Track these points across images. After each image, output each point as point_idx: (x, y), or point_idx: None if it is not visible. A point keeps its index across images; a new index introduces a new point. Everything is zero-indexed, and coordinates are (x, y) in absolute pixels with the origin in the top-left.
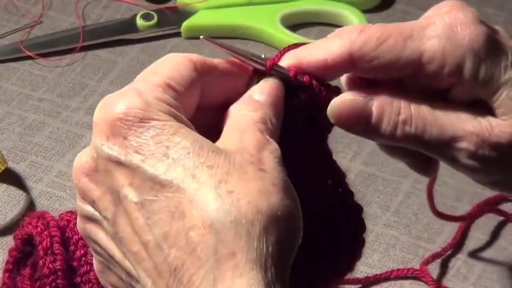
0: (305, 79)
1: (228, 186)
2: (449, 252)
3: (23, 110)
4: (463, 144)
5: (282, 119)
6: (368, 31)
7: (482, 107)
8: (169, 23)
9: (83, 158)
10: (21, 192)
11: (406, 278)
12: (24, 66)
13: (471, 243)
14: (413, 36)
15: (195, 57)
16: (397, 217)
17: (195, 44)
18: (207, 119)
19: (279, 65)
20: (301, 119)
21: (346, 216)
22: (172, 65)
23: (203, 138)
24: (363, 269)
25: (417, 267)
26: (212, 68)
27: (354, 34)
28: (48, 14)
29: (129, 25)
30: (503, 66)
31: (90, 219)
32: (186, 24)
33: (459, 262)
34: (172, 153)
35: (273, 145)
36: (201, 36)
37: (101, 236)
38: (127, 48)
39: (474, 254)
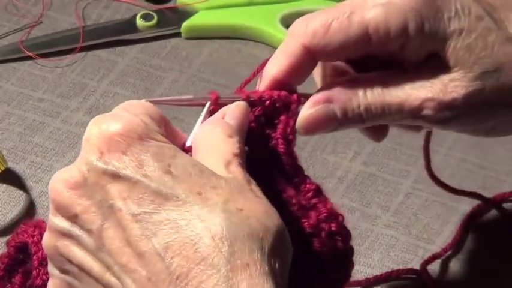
0: (256, 95)
1: (236, 204)
2: (449, 252)
3: (23, 110)
4: (423, 112)
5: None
6: (312, 21)
7: (436, 68)
8: (169, 23)
9: (65, 173)
10: (21, 192)
11: (406, 278)
12: (24, 67)
13: (471, 243)
14: (355, 12)
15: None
16: (397, 217)
17: (195, 44)
18: None
19: (225, 96)
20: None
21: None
22: (148, 104)
23: (201, 163)
24: (362, 269)
25: (417, 267)
26: (168, 123)
27: (302, 28)
28: (48, 14)
29: (129, 25)
30: (447, 19)
31: (64, 235)
32: (186, 24)
33: (459, 262)
34: (174, 171)
35: (253, 180)
36: (143, 100)
37: (75, 252)
38: (127, 49)
39: (474, 254)
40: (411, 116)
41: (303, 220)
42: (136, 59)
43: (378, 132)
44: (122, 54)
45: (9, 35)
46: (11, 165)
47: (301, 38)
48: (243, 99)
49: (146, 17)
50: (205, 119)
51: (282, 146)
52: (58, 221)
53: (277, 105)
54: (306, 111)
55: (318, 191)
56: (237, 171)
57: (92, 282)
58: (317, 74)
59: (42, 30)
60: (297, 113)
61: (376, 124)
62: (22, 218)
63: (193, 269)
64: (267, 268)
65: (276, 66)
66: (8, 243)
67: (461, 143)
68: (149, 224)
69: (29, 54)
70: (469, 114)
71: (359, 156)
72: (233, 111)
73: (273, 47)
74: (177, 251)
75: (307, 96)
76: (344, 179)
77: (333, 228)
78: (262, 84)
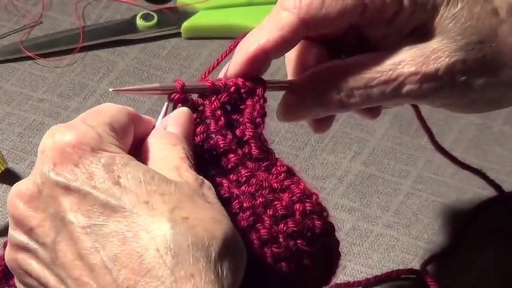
0: (221, 82)
1: (182, 213)
2: (449, 252)
3: (23, 110)
4: (407, 88)
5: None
6: None
7: (417, 42)
8: (169, 23)
9: (22, 185)
10: None
11: (406, 278)
12: (24, 67)
13: (471, 243)
14: None
15: (127, 107)
16: (397, 217)
17: (195, 44)
18: None
19: (190, 84)
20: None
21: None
22: (113, 110)
23: (153, 169)
24: (362, 269)
25: (417, 267)
26: (139, 118)
27: (296, 1)
28: (48, 14)
29: (129, 25)
30: None
31: (22, 248)
32: (186, 24)
33: (459, 262)
34: (124, 182)
35: (207, 182)
36: (110, 89)
37: (33, 265)
38: (127, 49)
39: (474, 254)
40: (394, 95)
41: (276, 203)
42: (136, 59)
43: (371, 111)
44: (122, 54)
45: (9, 35)
46: (11, 165)
47: (296, 10)
48: (208, 87)
49: (146, 17)
50: (165, 113)
51: (249, 130)
52: (16, 235)
53: (242, 91)
54: (285, 99)
55: (290, 172)
56: (188, 175)
57: None
58: (290, 61)
59: (42, 30)
60: (264, 97)
61: (359, 108)
62: None
63: (139, 282)
64: (212, 277)
65: (264, 37)
66: (4, 245)
67: (461, 143)
68: (98, 236)
69: (29, 54)
70: (451, 85)
71: (359, 156)
72: (175, 120)
73: None
74: (124, 263)
75: (274, 82)
76: (344, 179)
77: (307, 208)
78: (240, 56)
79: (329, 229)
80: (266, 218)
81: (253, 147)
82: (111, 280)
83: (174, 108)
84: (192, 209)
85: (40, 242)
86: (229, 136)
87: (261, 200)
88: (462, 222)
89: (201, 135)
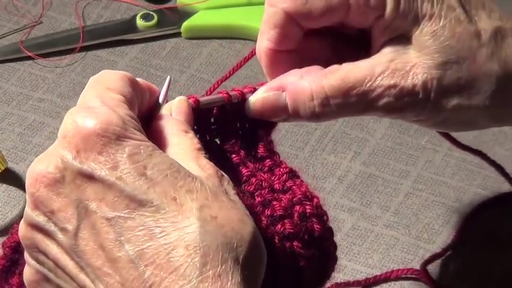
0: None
1: (211, 212)
2: (449, 252)
3: (23, 110)
4: (384, 100)
5: None
6: None
7: (396, 54)
8: (169, 23)
9: (43, 166)
10: (21, 192)
11: (406, 278)
12: (24, 67)
13: (471, 243)
14: None
15: (127, 73)
16: (397, 217)
17: (195, 44)
18: None
19: (205, 99)
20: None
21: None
22: (118, 81)
23: (176, 162)
24: (362, 269)
25: (417, 267)
26: (137, 82)
27: None
28: (48, 14)
29: (129, 25)
30: (420, 1)
31: (39, 229)
32: (186, 24)
33: (459, 262)
34: (150, 174)
35: (225, 175)
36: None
37: (51, 247)
38: (127, 49)
39: (474, 254)
40: (370, 107)
41: (274, 203)
42: (136, 59)
43: None
44: (122, 54)
45: (9, 35)
46: (11, 165)
47: (281, 5)
48: (225, 101)
49: (146, 17)
50: (168, 88)
51: (260, 131)
52: (35, 215)
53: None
54: (259, 94)
55: (293, 174)
56: (209, 167)
57: (67, 279)
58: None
59: (42, 30)
60: None
61: (329, 120)
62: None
63: (165, 279)
64: (239, 278)
65: (266, 40)
66: (3, 244)
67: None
68: (123, 229)
69: (29, 54)
70: (425, 102)
71: (359, 156)
72: (178, 108)
73: None
74: (150, 259)
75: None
76: (344, 179)
77: (307, 210)
78: (263, 66)
79: (328, 233)
80: (263, 218)
81: (260, 145)
82: (137, 275)
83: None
84: (219, 208)
85: (60, 226)
86: (234, 140)
87: (259, 199)
88: (462, 222)
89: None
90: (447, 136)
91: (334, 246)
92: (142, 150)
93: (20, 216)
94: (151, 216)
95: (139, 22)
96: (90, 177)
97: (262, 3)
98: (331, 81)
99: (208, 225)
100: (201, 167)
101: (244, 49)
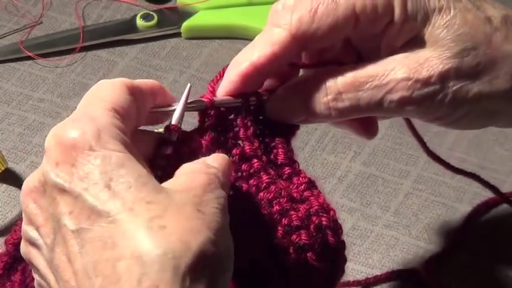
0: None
1: (161, 221)
2: (449, 252)
3: (23, 110)
4: (398, 94)
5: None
6: (299, 7)
7: (410, 52)
8: (169, 23)
9: (30, 181)
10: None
11: (406, 278)
12: (24, 67)
13: (471, 244)
14: None
15: (126, 81)
16: (397, 217)
17: (195, 44)
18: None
19: (219, 99)
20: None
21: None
22: (111, 89)
23: (148, 174)
24: (363, 269)
25: (417, 267)
26: (140, 89)
27: (288, 16)
28: (48, 14)
29: (129, 25)
30: None
31: (33, 244)
32: (186, 24)
33: (459, 262)
34: (114, 185)
35: (221, 192)
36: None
37: (40, 261)
38: (127, 49)
39: (474, 254)
40: (384, 102)
41: (292, 213)
42: (136, 59)
43: (366, 127)
44: (122, 54)
45: (9, 35)
46: (11, 165)
47: (288, 27)
48: (241, 102)
49: (146, 17)
50: (187, 96)
51: (279, 139)
52: (28, 230)
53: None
54: (275, 97)
55: (311, 184)
56: (200, 181)
57: None
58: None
59: (42, 30)
60: None
61: (346, 118)
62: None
63: None
64: None
65: (256, 54)
66: (6, 241)
67: (461, 143)
68: (84, 240)
69: (29, 54)
70: (443, 94)
71: (359, 156)
72: (216, 157)
73: None
74: (100, 270)
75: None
76: (344, 179)
77: (323, 222)
78: (232, 72)
79: (341, 247)
80: (280, 228)
81: (280, 152)
82: (89, 286)
83: (204, 120)
84: (175, 218)
85: (44, 242)
86: (256, 143)
87: (277, 207)
88: (462, 222)
89: (231, 142)
90: (439, 160)
91: (344, 260)
92: (112, 161)
93: (20, 216)
94: (107, 227)
95: (139, 22)
96: (62, 190)
97: (262, 3)
98: (344, 77)
99: (153, 235)
100: (192, 179)
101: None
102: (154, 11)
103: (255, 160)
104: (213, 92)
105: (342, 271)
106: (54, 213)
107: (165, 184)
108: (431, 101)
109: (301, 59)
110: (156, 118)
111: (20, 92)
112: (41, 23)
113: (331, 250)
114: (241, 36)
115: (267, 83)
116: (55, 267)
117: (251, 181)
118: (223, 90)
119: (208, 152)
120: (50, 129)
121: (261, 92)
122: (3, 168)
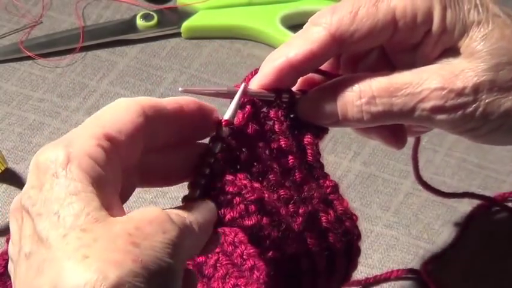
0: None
1: (86, 251)
2: (449, 252)
3: (23, 110)
4: (431, 103)
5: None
6: (339, 9)
7: (446, 63)
8: (169, 23)
9: (16, 202)
10: None
11: (406, 278)
12: (24, 67)
13: (471, 243)
14: None
15: (144, 101)
16: (397, 217)
17: (195, 44)
18: (167, 158)
19: (254, 91)
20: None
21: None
22: (118, 111)
23: (97, 208)
24: (363, 269)
25: (417, 267)
26: (161, 109)
27: (328, 16)
28: (48, 14)
29: (129, 25)
30: (467, 10)
31: (12, 260)
32: (186, 24)
33: (459, 262)
34: (61, 212)
35: (173, 227)
36: (180, 89)
37: (13, 280)
38: (127, 49)
39: (474, 255)
40: (417, 111)
41: (322, 214)
42: (136, 59)
43: (396, 136)
44: (122, 54)
45: (9, 35)
46: (11, 165)
47: (327, 26)
48: (274, 97)
49: (146, 17)
50: (237, 104)
51: (308, 136)
52: (10, 246)
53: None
54: (308, 97)
55: (336, 188)
56: (149, 214)
57: None
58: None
59: (42, 30)
60: None
61: (377, 123)
62: None
63: None
64: None
65: (293, 50)
66: (7, 239)
67: (461, 143)
68: (29, 264)
69: (29, 54)
70: (476, 106)
71: (359, 156)
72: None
73: (272, 47)
74: None
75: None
76: (344, 179)
77: (347, 227)
78: (267, 68)
79: (357, 252)
80: (315, 230)
81: (309, 153)
82: None
83: (241, 108)
84: (101, 249)
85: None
86: (290, 139)
87: (310, 208)
88: (462, 222)
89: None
90: (429, 188)
91: (356, 266)
92: (68, 189)
93: None
94: (44, 253)
95: (139, 22)
96: (27, 212)
97: (262, 3)
98: (378, 82)
99: (75, 265)
100: (143, 212)
101: (244, 49)
102: (154, 11)
103: (291, 156)
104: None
105: (350, 276)
106: (21, 234)
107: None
108: (463, 112)
109: (336, 67)
110: (192, 136)
111: (20, 92)
112: (41, 23)
113: (349, 254)
114: (241, 36)
115: (297, 87)
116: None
117: (288, 177)
118: (256, 83)
119: (253, 144)
120: (49, 129)
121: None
122: (3, 168)
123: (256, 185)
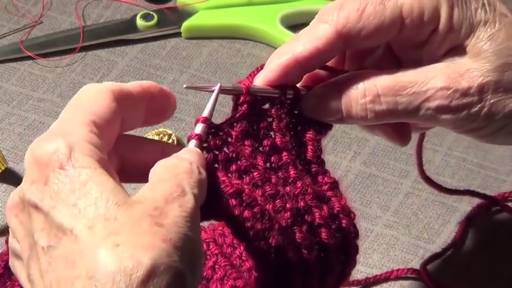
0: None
1: (115, 239)
2: (449, 252)
3: (23, 110)
4: (436, 102)
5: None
6: (347, 5)
7: (451, 62)
8: (169, 23)
9: (12, 196)
10: None
11: (406, 278)
12: (24, 67)
13: (471, 243)
14: None
15: (113, 86)
16: (397, 217)
17: (195, 44)
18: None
19: (257, 87)
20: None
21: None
22: (93, 98)
23: (115, 187)
24: (362, 269)
25: (417, 267)
26: (128, 93)
27: (335, 13)
28: (48, 14)
29: (129, 25)
30: (474, 9)
31: (17, 256)
32: (186, 24)
33: (459, 262)
34: (80, 203)
35: (186, 198)
36: (184, 85)
37: (22, 274)
38: (127, 49)
39: (474, 254)
40: (421, 109)
41: (315, 210)
42: (136, 59)
43: (400, 133)
44: (122, 54)
45: (9, 35)
46: (11, 165)
47: (334, 23)
48: (279, 93)
49: (146, 17)
50: (214, 101)
51: (311, 132)
52: (13, 243)
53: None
54: (312, 93)
55: (335, 185)
56: (161, 191)
57: None
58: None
59: (42, 30)
60: None
61: (381, 122)
62: None
63: None
64: None
65: (299, 47)
66: (6, 240)
67: (461, 143)
68: (52, 258)
69: (29, 54)
70: (481, 106)
71: (359, 156)
72: (188, 150)
73: (272, 46)
74: None
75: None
76: (344, 179)
77: (343, 224)
78: (273, 64)
79: (354, 252)
80: (304, 225)
81: (310, 148)
82: None
83: (237, 107)
84: (129, 235)
85: (23, 256)
86: (288, 136)
87: (302, 204)
88: (462, 222)
89: (262, 131)
90: (432, 183)
91: (354, 264)
92: (80, 178)
93: None
94: (70, 245)
95: (139, 22)
96: (36, 207)
97: (262, 3)
98: (383, 80)
99: (107, 254)
100: (153, 189)
101: (244, 49)
102: (154, 11)
103: (285, 153)
104: (251, 81)
105: (348, 275)
106: (30, 229)
107: (137, 194)
108: (467, 112)
109: (341, 62)
110: (154, 119)
111: (20, 91)
112: (41, 23)
113: (346, 253)
114: (241, 36)
115: (302, 83)
116: (31, 282)
117: (279, 173)
118: (262, 79)
119: (238, 142)
120: None
121: (299, 86)
122: (3, 168)
123: (236, 181)
